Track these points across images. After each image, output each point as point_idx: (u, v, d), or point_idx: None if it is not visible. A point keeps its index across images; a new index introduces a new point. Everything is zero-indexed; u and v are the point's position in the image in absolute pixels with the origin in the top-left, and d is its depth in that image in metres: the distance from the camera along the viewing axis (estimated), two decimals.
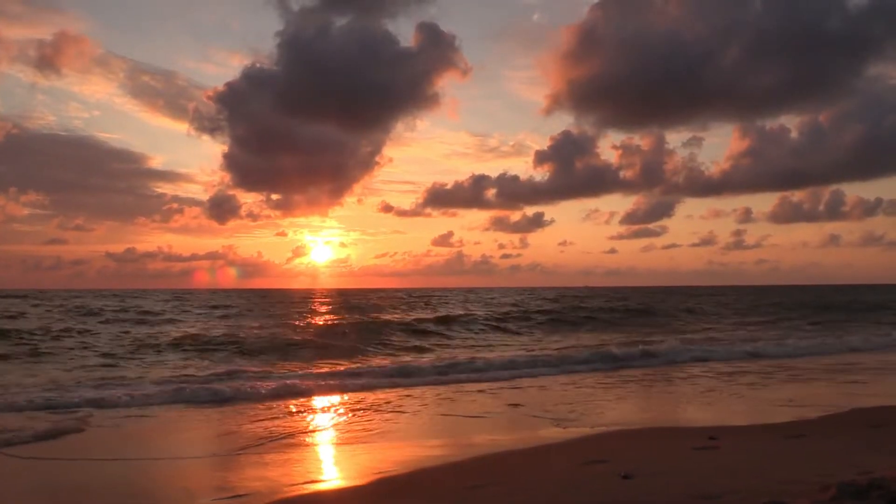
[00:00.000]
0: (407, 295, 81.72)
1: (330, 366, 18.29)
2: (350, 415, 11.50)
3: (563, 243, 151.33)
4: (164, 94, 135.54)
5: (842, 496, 4.78)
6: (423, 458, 8.06)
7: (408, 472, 7.38)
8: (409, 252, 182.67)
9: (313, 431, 10.16)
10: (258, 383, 14.35)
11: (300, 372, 16.80)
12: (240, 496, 6.50)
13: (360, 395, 13.57)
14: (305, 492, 6.72)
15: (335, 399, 13.26)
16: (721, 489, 5.58)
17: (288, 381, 14.60)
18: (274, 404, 12.52)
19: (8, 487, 7.28)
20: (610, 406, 12.06)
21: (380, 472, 7.35)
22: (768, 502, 4.90)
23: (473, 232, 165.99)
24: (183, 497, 6.64)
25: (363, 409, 11.91)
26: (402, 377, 15.88)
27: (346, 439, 9.49)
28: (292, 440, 9.39)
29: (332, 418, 11.26)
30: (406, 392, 13.97)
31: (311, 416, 11.43)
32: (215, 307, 49.37)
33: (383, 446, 8.90)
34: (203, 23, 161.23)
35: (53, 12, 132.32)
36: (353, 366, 18.17)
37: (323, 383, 14.86)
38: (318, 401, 13.04)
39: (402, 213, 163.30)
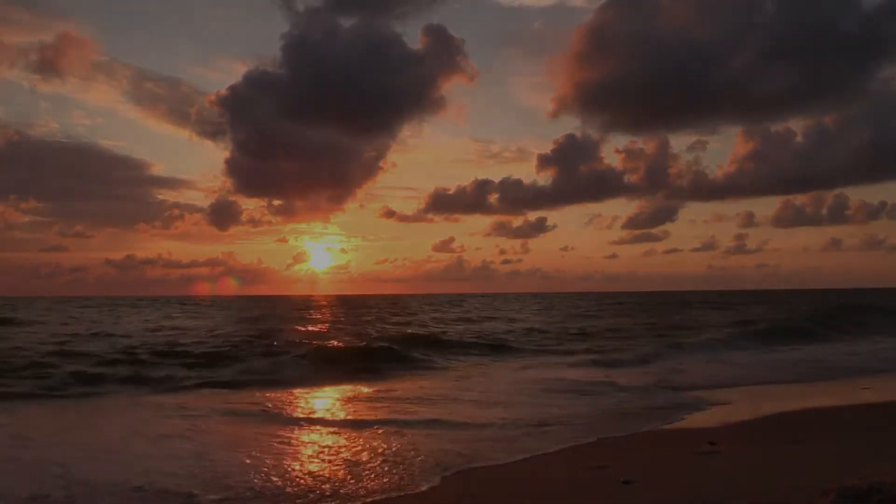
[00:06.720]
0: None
1: None
2: None
3: (565, 248, 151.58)
4: (168, 100, 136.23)
5: (841, 500, 4.76)
6: None
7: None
8: (409, 258, 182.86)
9: None
10: None
11: None
12: None
13: None
14: None
15: None
16: (721, 494, 5.57)
17: None
18: None
19: None
20: None
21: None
22: None
23: (475, 237, 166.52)
24: None
25: None
26: None
27: None
28: None
29: None
30: None
31: None
32: None
33: None
34: (207, 30, 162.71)
35: (57, 19, 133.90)
36: None
37: None
38: None
39: (405, 219, 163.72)
